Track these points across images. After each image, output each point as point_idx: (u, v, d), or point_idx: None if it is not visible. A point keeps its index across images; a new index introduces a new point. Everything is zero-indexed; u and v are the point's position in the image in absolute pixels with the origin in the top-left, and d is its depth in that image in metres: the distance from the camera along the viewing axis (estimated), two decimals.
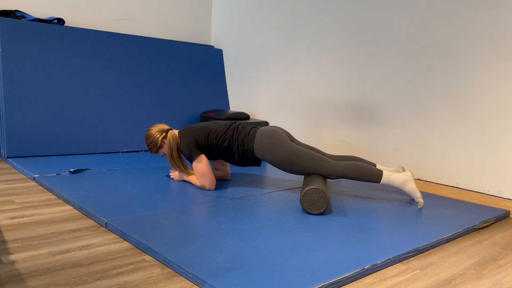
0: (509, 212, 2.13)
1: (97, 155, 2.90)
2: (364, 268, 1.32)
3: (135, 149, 3.14)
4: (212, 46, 3.92)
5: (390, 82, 2.69)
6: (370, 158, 2.81)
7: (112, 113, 3.09)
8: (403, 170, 2.24)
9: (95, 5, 3.29)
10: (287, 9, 3.30)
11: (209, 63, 3.73)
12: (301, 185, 2.38)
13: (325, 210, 1.84)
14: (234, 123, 2.19)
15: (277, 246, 1.45)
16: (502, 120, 2.22)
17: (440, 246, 1.63)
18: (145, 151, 3.18)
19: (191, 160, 2.10)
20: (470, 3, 2.31)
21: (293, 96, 3.30)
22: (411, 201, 2.19)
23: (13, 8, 2.94)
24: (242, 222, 1.68)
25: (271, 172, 2.71)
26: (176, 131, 2.23)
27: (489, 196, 2.26)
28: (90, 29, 3.09)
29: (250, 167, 2.81)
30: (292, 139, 2.22)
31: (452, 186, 2.42)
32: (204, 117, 3.47)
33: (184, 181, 2.30)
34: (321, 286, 1.19)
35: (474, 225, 1.85)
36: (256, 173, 2.64)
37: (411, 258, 1.49)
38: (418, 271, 1.39)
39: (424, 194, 2.37)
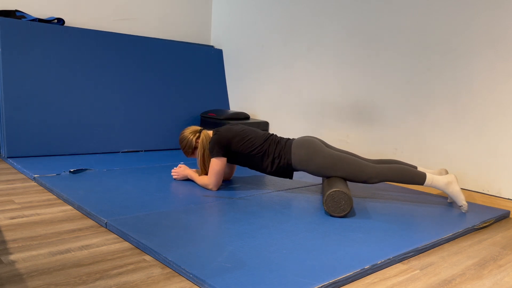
0: (509, 212, 2.13)
1: (97, 155, 2.90)
2: (364, 268, 1.32)
3: (135, 149, 3.14)
4: (212, 46, 3.92)
5: (390, 82, 2.69)
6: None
7: (112, 113, 3.09)
8: (446, 172, 2.21)
9: (95, 5, 3.29)
10: (287, 9, 3.30)
11: (209, 63, 3.73)
12: (301, 186, 2.39)
13: (348, 213, 1.84)
14: (272, 135, 2.17)
15: (277, 246, 1.46)
16: (502, 120, 2.22)
17: (440, 246, 1.63)
18: (145, 151, 3.18)
19: (212, 155, 2.09)
20: (470, 3, 2.31)
21: (293, 96, 3.30)
22: (411, 201, 2.19)
23: (13, 8, 2.94)
24: (242, 222, 1.68)
25: None
26: (209, 131, 2.22)
27: (489, 196, 2.26)
28: (90, 29, 3.09)
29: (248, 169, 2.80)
30: (327, 145, 2.21)
31: None
32: (204, 117, 3.47)
33: (186, 180, 2.30)
34: (321, 286, 1.19)
35: (474, 225, 1.85)
36: (256, 173, 2.64)
37: (411, 258, 1.49)
38: (418, 271, 1.39)
39: (424, 194, 2.37)
